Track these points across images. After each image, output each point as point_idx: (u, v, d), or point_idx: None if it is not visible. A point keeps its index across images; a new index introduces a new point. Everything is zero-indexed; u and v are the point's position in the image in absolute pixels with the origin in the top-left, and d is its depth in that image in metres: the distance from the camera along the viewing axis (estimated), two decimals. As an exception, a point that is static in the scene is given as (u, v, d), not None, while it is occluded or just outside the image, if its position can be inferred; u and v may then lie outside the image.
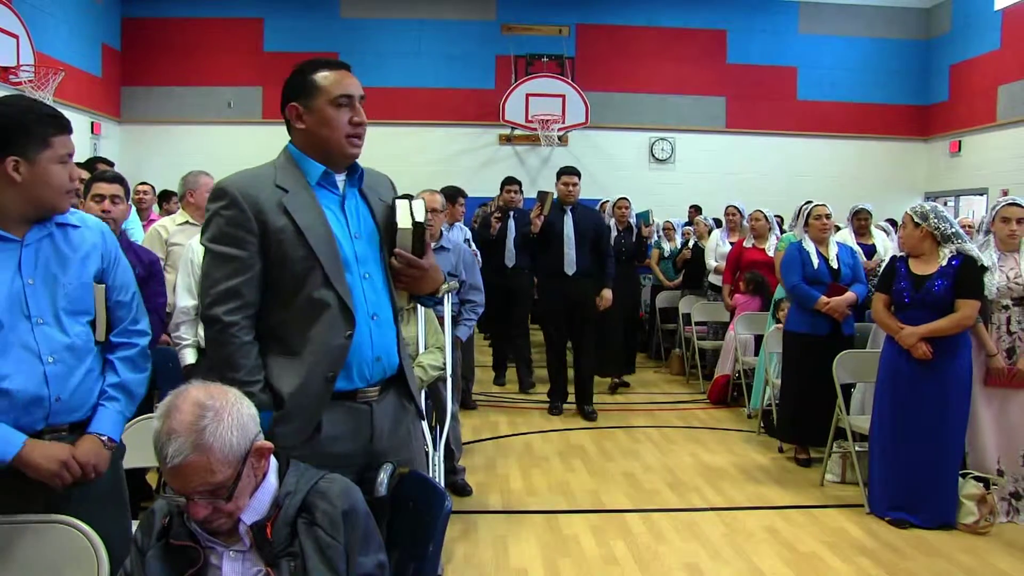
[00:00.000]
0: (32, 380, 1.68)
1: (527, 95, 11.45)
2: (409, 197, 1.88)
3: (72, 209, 1.86)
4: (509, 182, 6.76)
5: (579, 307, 5.53)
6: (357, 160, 1.87)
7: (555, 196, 5.65)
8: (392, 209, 1.86)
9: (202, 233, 1.80)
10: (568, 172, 5.67)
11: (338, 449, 1.75)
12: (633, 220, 6.93)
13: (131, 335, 1.90)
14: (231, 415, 1.39)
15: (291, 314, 1.75)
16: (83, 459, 1.75)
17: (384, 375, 1.84)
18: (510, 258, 6.55)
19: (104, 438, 1.80)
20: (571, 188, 5.62)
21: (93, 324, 1.82)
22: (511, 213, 6.58)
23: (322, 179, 1.80)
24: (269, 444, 1.46)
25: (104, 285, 1.84)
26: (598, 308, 5.57)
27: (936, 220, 3.63)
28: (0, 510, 1.67)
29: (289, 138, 1.87)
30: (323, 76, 1.79)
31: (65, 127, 1.76)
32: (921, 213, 3.67)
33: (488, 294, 6.23)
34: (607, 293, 5.61)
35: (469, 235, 6.21)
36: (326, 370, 1.74)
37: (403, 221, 1.82)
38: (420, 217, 1.82)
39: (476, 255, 5.57)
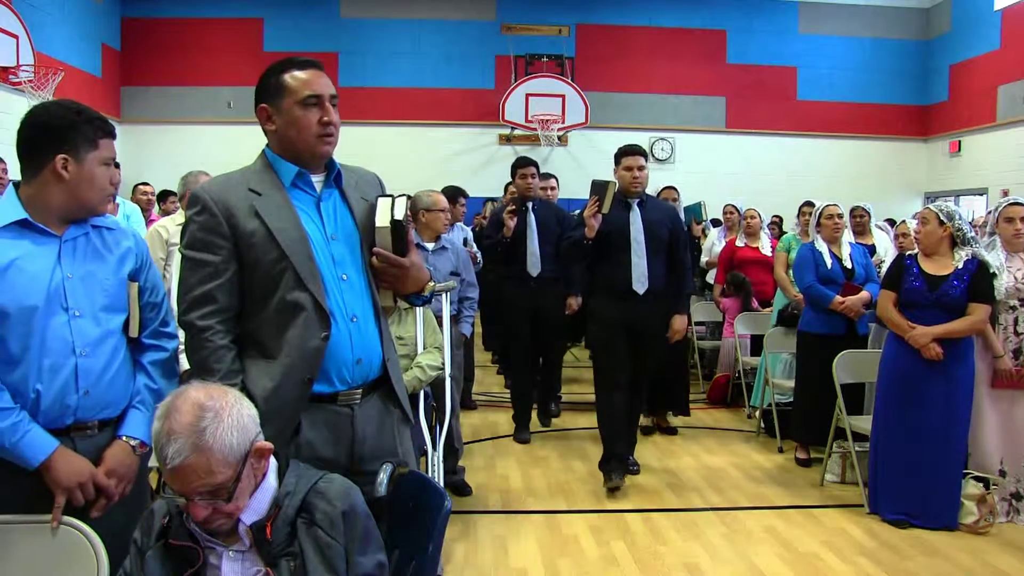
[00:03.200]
0: (62, 373, 1.71)
1: (527, 95, 11.46)
2: (392, 196, 1.85)
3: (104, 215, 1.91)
4: (522, 164, 5.14)
5: (642, 338, 4.09)
6: (336, 159, 1.86)
7: (617, 186, 4.06)
8: (374, 208, 1.84)
9: (180, 239, 1.82)
10: (632, 152, 4.12)
11: (319, 454, 1.74)
12: (681, 216, 5.52)
13: (161, 337, 1.94)
14: (231, 416, 1.40)
15: (266, 317, 1.75)
16: (113, 465, 1.77)
17: (367, 378, 1.82)
18: (534, 265, 5.02)
19: (135, 442, 1.83)
20: (638, 174, 4.09)
21: (126, 323, 1.85)
22: (530, 206, 5.08)
23: (297, 180, 1.79)
24: (269, 445, 1.46)
25: (137, 284, 1.88)
26: (668, 340, 4.24)
27: (960, 222, 3.65)
28: (25, 508, 1.68)
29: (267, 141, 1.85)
30: (291, 76, 1.77)
31: (111, 132, 1.83)
32: (947, 213, 3.68)
33: (507, 313, 5.22)
34: (679, 322, 4.20)
35: (469, 235, 6.13)
36: (303, 373, 1.72)
37: (381, 220, 1.80)
38: (400, 215, 1.80)
39: (477, 256, 5.53)
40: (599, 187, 3.98)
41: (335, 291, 1.77)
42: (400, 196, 1.84)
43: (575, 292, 5.16)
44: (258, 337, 1.76)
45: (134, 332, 1.86)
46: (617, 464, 4.14)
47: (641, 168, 4.10)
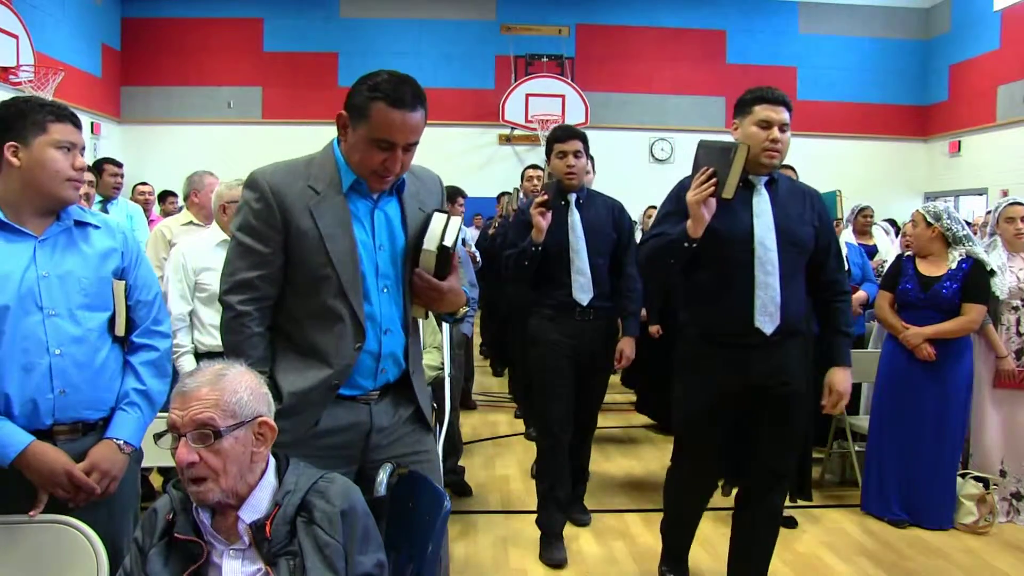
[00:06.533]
0: (35, 372, 1.69)
1: (527, 95, 11.47)
2: (448, 214, 1.82)
3: (94, 211, 1.89)
4: (562, 136, 3.31)
5: (772, 411, 2.55)
6: None
7: (747, 152, 2.41)
8: (427, 222, 1.80)
9: (234, 216, 1.81)
10: (772, 99, 2.50)
11: (335, 441, 1.77)
12: None
13: (152, 336, 1.91)
14: (251, 381, 1.49)
15: (304, 315, 1.76)
16: (96, 461, 1.75)
17: (387, 382, 1.84)
18: (583, 288, 3.26)
19: (121, 442, 1.81)
20: (778, 136, 2.49)
21: (112, 321, 1.83)
22: (572, 198, 3.34)
23: (356, 185, 1.77)
24: (275, 426, 1.49)
25: (124, 282, 1.85)
26: (828, 407, 2.65)
27: (948, 221, 3.63)
28: (9, 509, 1.68)
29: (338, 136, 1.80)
30: (379, 108, 1.66)
31: (65, 116, 1.78)
32: (934, 213, 3.67)
33: (538, 361, 3.34)
34: (843, 379, 2.60)
35: (467, 235, 6.10)
36: (332, 379, 1.74)
37: (430, 243, 1.78)
38: (450, 240, 1.77)
39: (476, 256, 5.51)
40: (716, 154, 2.42)
41: (375, 302, 1.78)
42: (455, 217, 1.82)
43: (632, 332, 3.50)
44: (291, 331, 1.78)
45: (120, 331, 1.84)
46: (681, 570, 2.89)
47: (784, 128, 2.49)
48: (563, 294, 3.27)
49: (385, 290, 1.79)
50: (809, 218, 2.57)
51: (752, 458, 2.61)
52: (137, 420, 1.85)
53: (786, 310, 2.48)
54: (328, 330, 1.74)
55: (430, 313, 1.91)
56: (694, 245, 2.41)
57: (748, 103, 2.53)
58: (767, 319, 2.46)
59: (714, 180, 2.37)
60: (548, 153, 3.38)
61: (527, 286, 3.40)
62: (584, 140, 3.33)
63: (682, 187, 2.55)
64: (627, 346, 3.43)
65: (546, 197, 3.17)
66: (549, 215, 3.17)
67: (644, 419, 5.61)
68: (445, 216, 1.80)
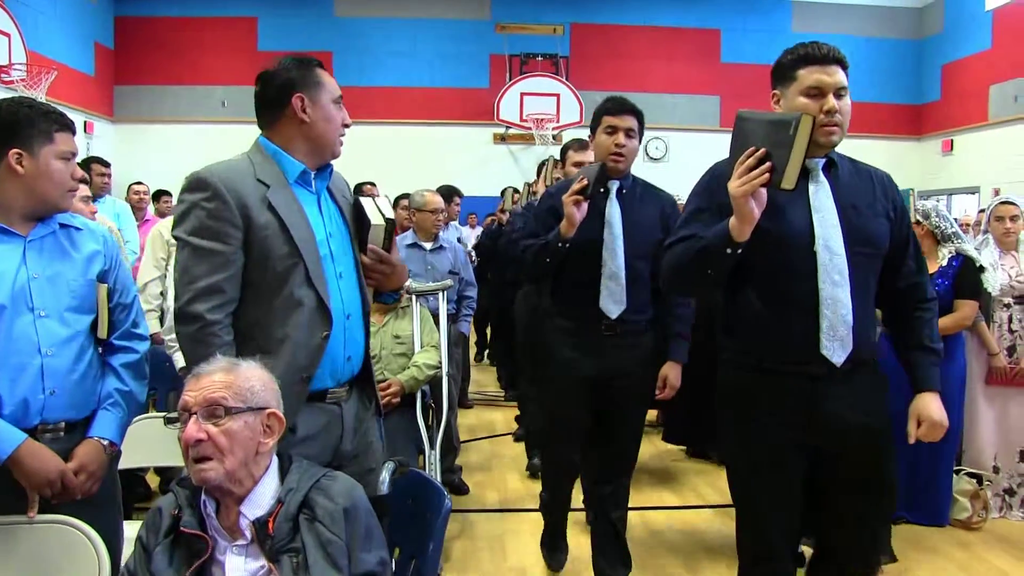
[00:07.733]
0: (27, 372, 1.70)
1: (521, 94, 11.47)
2: (372, 198, 1.93)
3: (73, 214, 1.89)
4: (615, 108, 2.69)
5: (838, 458, 1.97)
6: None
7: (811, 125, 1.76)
8: (357, 207, 1.89)
9: (175, 224, 1.75)
10: (819, 58, 1.88)
11: (309, 450, 1.73)
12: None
13: (132, 338, 1.92)
14: (264, 375, 1.52)
15: (268, 313, 1.73)
16: (84, 462, 1.76)
17: (352, 374, 1.86)
18: (614, 297, 2.67)
19: (105, 442, 1.82)
20: (835, 104, 1.86)
21: (94, 323, 1.84)
22: (614, 187, 2.73)
23: (300, 178, 1.80)
24: (283, 418, 1.50)
25: (106, 285, 1.86)
26: (918, 438, 2.11)
27: (937, 219, 3.63)
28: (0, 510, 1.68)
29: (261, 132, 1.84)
30: (323, 74, 1.85)
31: (68, 126, 1.79)
32: (923, 212, 3.68)
33: (552, 382, 2.81)
34: (930, 406, 2.11)
35: (462, 234, 6.09)
36: (302, 371, 1.72)
37: (375, 217, 1.85)
38: (389, 214, 1.87)
39: (472, 255, 5.52)
40: (767, 129, 1.80)
41: (335, 288, 1.79)
42: (378, 197, 1.93)
43: (679, 356, 2.91)
44: (255, 333, 1.74)
45: (102, 333, 1.84)
46: None
47: (841, 92, 1.88)
48: (588, 303, 2.68)
49: (341, 275, 1.82)
50: (883, 208, 1.99)
51: (831, 526, 1.99)
52: (120, 420, 1.86)
53: (858, 331, 1.90)
54: (294, 321, 1.72)
55: (415, 307, 1.95)
56: (739, 251, 1.81)
57: (788, 67, 1.92)
58: (837, 344, 1.88)
59: (768, 164, 1.74)
60: (594, 128, 2.75)
61: (537, 287, 2.88)
62: (640, 119, 2.72)
63: (715, 175, 1.97)
64: (672, 373, 2.88)
65: (584, 183, 2.57)
66: (585, 206, 2.60)
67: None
68: (370, 198, 1.92)
